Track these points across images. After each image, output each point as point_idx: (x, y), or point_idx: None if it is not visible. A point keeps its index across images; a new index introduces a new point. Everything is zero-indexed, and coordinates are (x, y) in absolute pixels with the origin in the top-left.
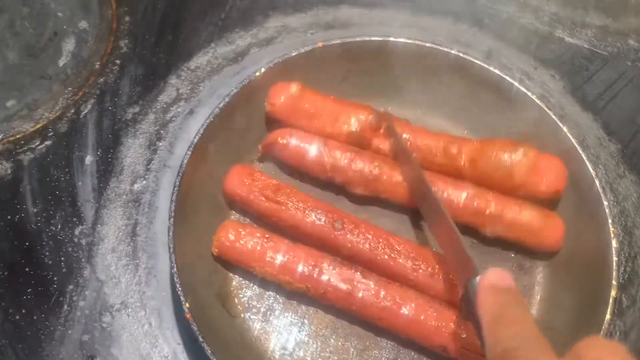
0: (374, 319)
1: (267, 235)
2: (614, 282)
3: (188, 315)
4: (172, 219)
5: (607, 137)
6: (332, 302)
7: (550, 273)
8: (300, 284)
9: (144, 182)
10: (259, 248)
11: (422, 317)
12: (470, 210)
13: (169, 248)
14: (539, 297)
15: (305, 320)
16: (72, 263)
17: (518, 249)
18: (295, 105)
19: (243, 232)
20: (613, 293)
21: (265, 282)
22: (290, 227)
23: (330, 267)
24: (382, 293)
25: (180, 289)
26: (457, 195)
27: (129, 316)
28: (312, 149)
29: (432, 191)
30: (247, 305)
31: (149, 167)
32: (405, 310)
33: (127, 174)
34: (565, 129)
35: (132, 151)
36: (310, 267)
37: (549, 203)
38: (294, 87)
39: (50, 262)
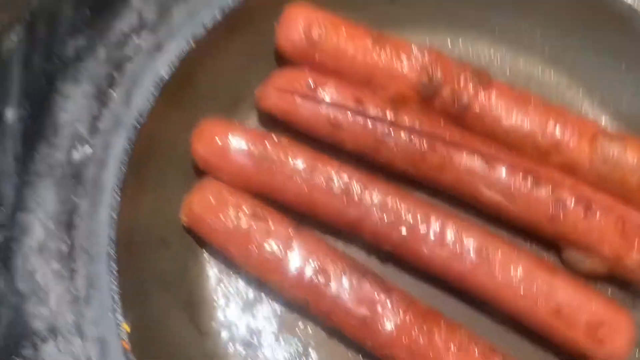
0: None
1: (260, 212)
2: None
3: (125, 344)
4: (119, 191)
5: None
6: (340, 328)
7: None
8: (297, 292)
9: (88, 148)
10: (243, 227)
11: None
12: None
13: (110, 237)
14: None
15: (310, 350)
16: None
17: None
18: (315, 44)
19: (227, 200)
20: None
21: (259, 287)
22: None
23: (343, 275)
24: (415, 325)
25: (117, 298)
26: None
27: (58, 349)
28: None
29: None
30: (224, 320)
31: (95, 126)
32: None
33: (63, 136)
34: None
35: (72, 103)
36: (313, 270)
37: None
38: (314, 24)
39: None
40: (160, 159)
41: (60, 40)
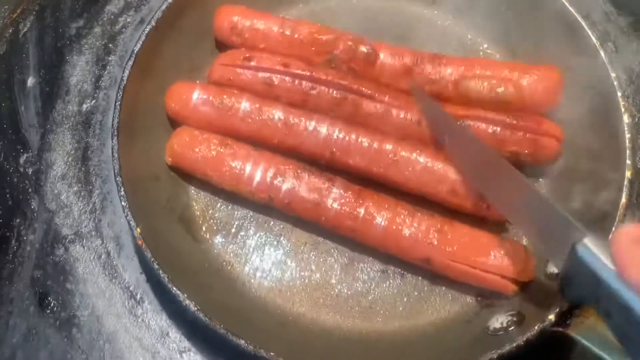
0: (347, 232)
1: (226, 142)
2: (628, 162)
3: (140, 242)
4: (115, 138)
5: (616, 11)
6: (299, 213)
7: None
8: (262, 194)
9: (94, 101)
10: (214, 154)
11: (399, 228)
12: None
13: (114, 170)
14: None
15: (282, 239)
16: (18, 195)
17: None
18: (242, 35)
19: (199, 138)
20: (628, 174)
21: (233, 200)
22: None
23: (295, 175)
24: (353, 201)
25: (129, 213)
26: None
27: (84, 247)
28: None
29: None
30: (214, 228)
31: (98, 84)
32: (380, 221)
33: (74, 94)
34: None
35: (79, 69)
36: (272, 175)
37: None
38: (238, 20)
39: None
40: (144, 115)
41: (64, 24)
